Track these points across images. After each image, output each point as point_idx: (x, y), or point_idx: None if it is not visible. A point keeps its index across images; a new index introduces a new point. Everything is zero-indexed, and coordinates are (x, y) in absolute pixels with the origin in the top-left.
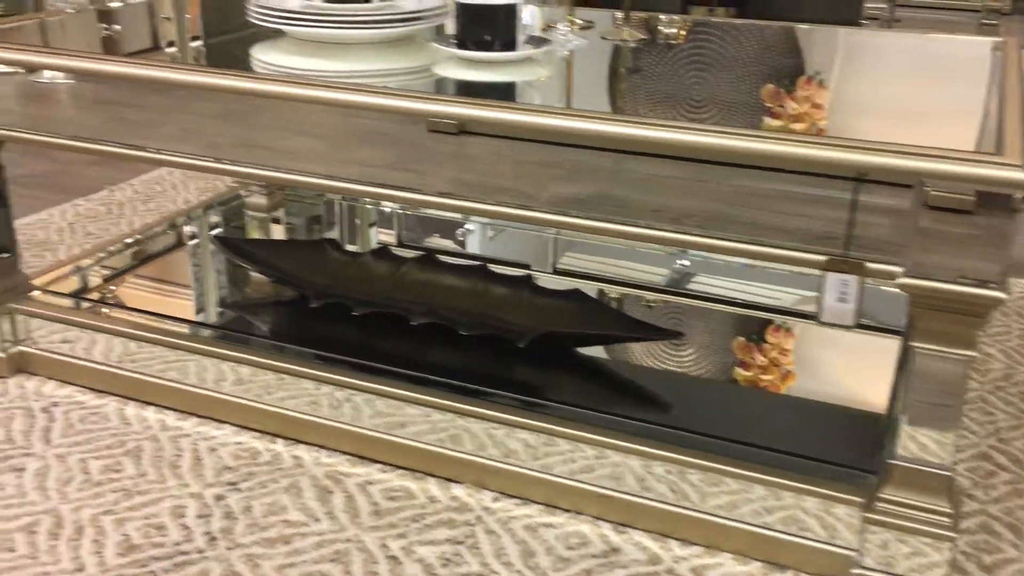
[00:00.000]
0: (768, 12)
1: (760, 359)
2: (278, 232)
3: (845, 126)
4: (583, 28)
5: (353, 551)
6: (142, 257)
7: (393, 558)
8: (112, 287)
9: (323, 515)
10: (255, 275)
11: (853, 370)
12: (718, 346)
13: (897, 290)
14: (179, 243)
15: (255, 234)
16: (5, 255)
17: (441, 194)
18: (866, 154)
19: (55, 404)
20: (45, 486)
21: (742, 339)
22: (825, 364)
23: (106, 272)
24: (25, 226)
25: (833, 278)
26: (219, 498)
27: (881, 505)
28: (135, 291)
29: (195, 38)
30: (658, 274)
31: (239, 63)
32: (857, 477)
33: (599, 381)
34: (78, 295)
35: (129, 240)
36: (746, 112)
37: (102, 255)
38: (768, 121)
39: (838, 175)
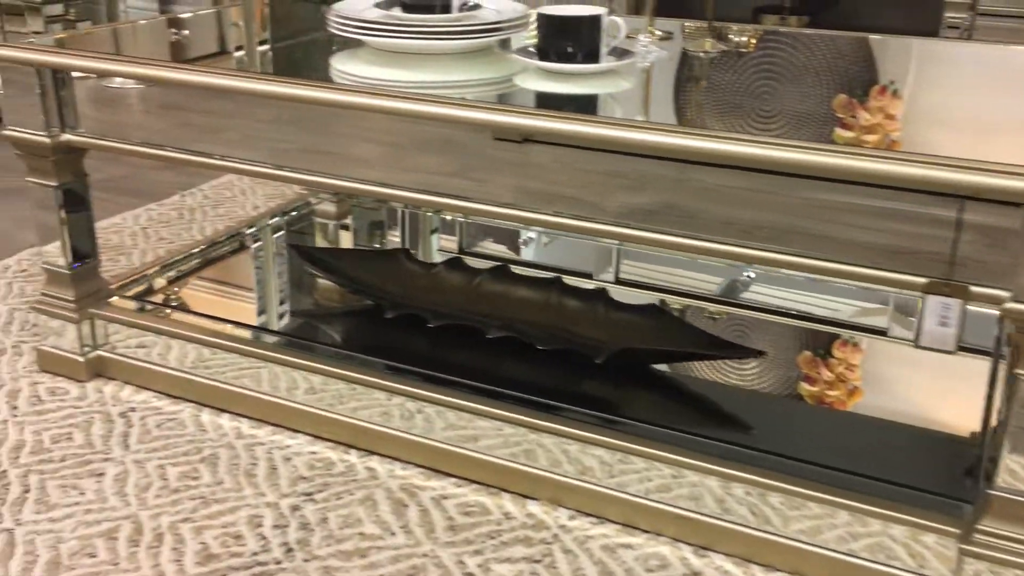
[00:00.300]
0: (842, 22)
1: (826, 374)
2: (346, 239)
3: (920, 138)
4: (662, 39)
5: (430, 567)
6: (215, 264)
7: (470, 575)
8: (186, 293)
9: (399, 529)
10: (327, 283)
11: (925, 388)
12: (782, 360)
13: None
14: (250, 250)
15: (324, 241)
16: (87, 261)
17: (503, 204)
18: (972, 174)
19: (132, 409)
20: (124, 492)
21: (808, 353)
22: (893, 381)
23: (180, 278)
24: (100, 230)
25: (933, 301)
26: (295, 508)
27: (979, 537)
28: (208, 297)
29: (263, 42)
30: (721, 283)
31: (306, 68)
32: (951, 506)
33: (674, 397)
34: (153, 301)
35: (202, 247)
36: (837, 125)
37: (176, 261)
38: (840, 132)
39: (922, 191)
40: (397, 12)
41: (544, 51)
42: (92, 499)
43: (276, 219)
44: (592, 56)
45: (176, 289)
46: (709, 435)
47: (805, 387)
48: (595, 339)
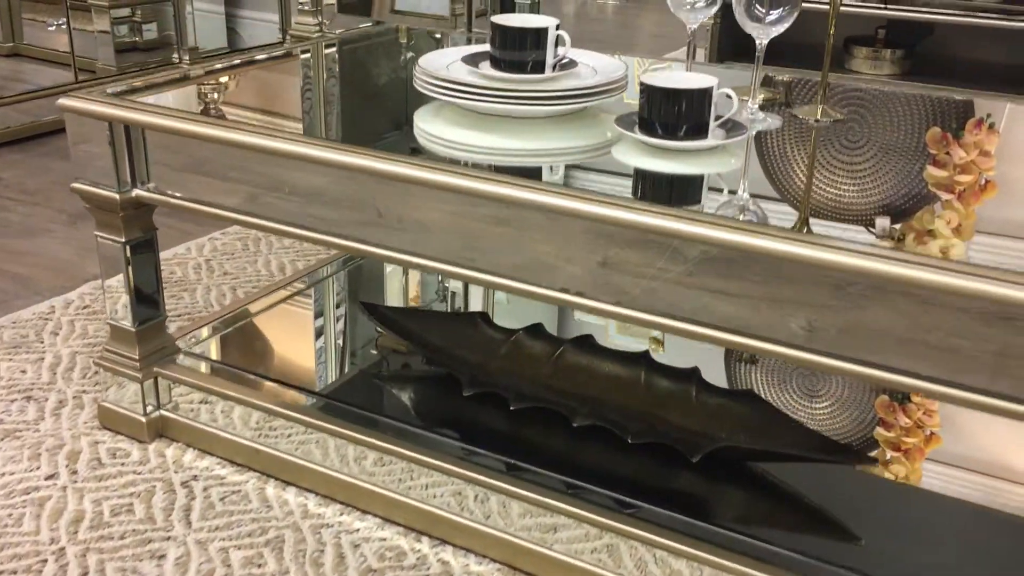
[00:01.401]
0: (938, 54)
1: (904, 420)
2: (413, 287)
3: None
4: (768, 101)
5: None
6: (279, 317)
7: None
8: (249, 350)
9: None
10: (398, 344)
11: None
12: (856, 401)
13: None
14: (317, 303)
15: (392, 288)
16: (153, 318)
17: (564, 290)
18: None
19: (195, 477)
20: None
21: (885, 397)
22: (976, 429)
23: (243, 333)
24: (163, 262)
25: None
26: None
27: None
28: (272, 354)
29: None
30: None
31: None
32: None
33: (771, 495)
34: (217, 360)
35: (266, 295)
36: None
37: (240, 312)
38: (932, 171)
39: None
40: (486, 68)
41: (648, 122)
42: None
43: (342, 268)
44: (699, 131)
45: (238, 347)
46: (809, 551)
47: (881, 432)
48: (690, 432)
